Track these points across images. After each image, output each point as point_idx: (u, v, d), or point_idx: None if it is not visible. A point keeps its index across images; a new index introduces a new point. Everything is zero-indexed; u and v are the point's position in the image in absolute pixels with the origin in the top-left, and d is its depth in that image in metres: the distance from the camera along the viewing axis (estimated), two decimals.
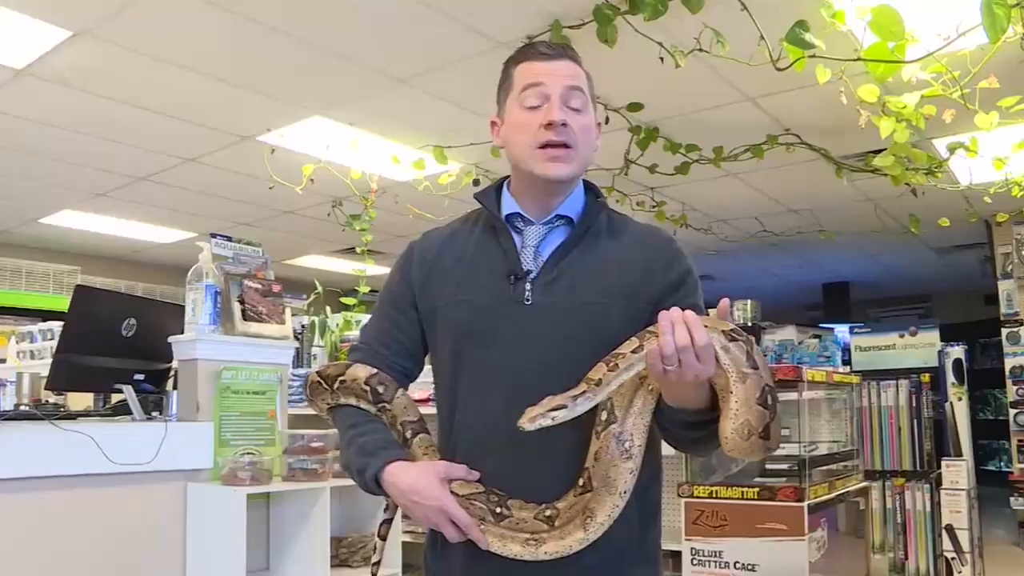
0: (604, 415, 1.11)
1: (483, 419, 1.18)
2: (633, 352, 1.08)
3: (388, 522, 1.35)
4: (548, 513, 1.11)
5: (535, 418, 1.05)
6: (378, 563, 1.36)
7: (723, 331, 1.06)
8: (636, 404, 1.12)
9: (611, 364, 1.08)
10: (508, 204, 1.26)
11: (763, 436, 1.05)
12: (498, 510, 1.12)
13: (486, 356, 1.18)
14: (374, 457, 1.17)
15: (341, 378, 1.24)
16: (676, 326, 1.02)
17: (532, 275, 1.20)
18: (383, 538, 1.35)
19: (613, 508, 1.09)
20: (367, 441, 1.20)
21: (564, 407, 1.06)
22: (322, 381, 1.27)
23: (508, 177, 1.30)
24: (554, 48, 1.23)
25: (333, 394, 1.26)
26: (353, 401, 1.25)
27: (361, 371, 1.24)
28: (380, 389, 1.23)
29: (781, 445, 3.02)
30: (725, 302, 1.09)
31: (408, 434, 1.21)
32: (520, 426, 1.04)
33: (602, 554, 1.15)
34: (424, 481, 1.13)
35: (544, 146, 1.18)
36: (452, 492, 1.14)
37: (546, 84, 1.19)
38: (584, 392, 1.08)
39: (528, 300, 1.18)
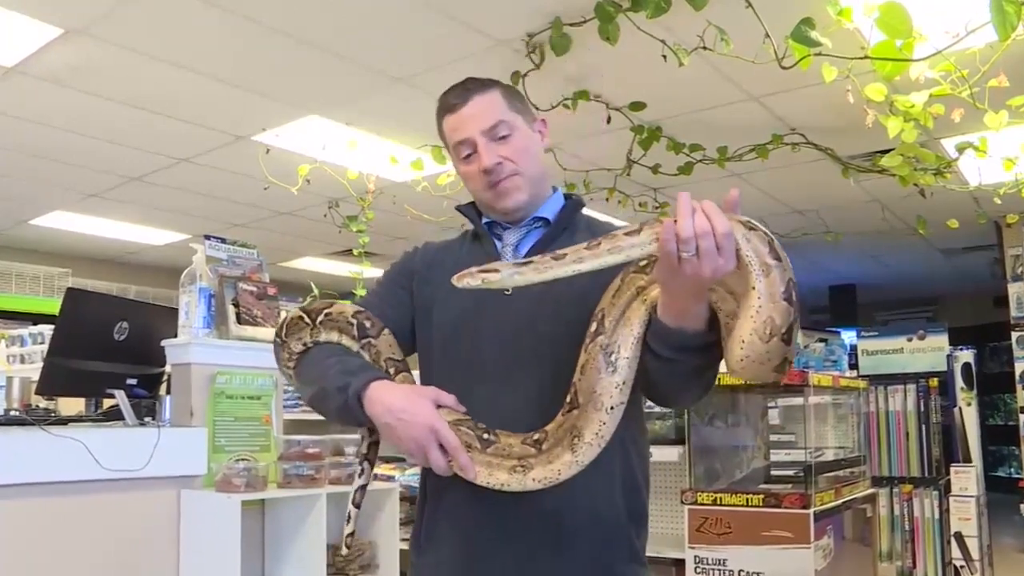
0: (594, 326, 1.07)
1: (470, 408, 1.16)
2: (627, 235, 1.00)
3: (363, 488, 1.30)
4: (536, 437, 1.08)
5: (463, 276, 1.03)
6: (352, 534, 1.29)
7: (740, 222, 0.98)
8: (628, 316, 1.06)
9: (592, 244, 1.02)
10: (487, 215, 1.33)
11: (785, 339, 0.96)
12: (485, 436, 1.09)
13: (472, 346, 1.21)
14: (356, 376, 1.14)
15: (327, 311, 1.23)
16: (696, 211, 0.95)
17: None
18: (357, 505, 1.29)
19: (600, 426, 1.05)
20: (348, 366, 1.18)
21: (497, 272, 1.02)
22: (305, 316, 1.24)
23: None
24: (461, 92, 1.27)
25: (314, 330, 1.23)
26: (335, 337, 1.23)
27: (348, 307, 1.24)
28: (367, 324, 1.22)
29: (786, 452, 3.03)
30: (735, 192, 1.00)
31: (391, 370, 1.19)
32: (451, 281, 1.04)
33: (583, 542, 1.16)
34: (414, 400, 1.10)
35: (491, 187, 1.24)
36: None
37: (468, 135, 1.24)
38: (530, 263, 1.03)
39: (508, 291, 1.19)
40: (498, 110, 1.25)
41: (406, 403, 1.09)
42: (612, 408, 1.05)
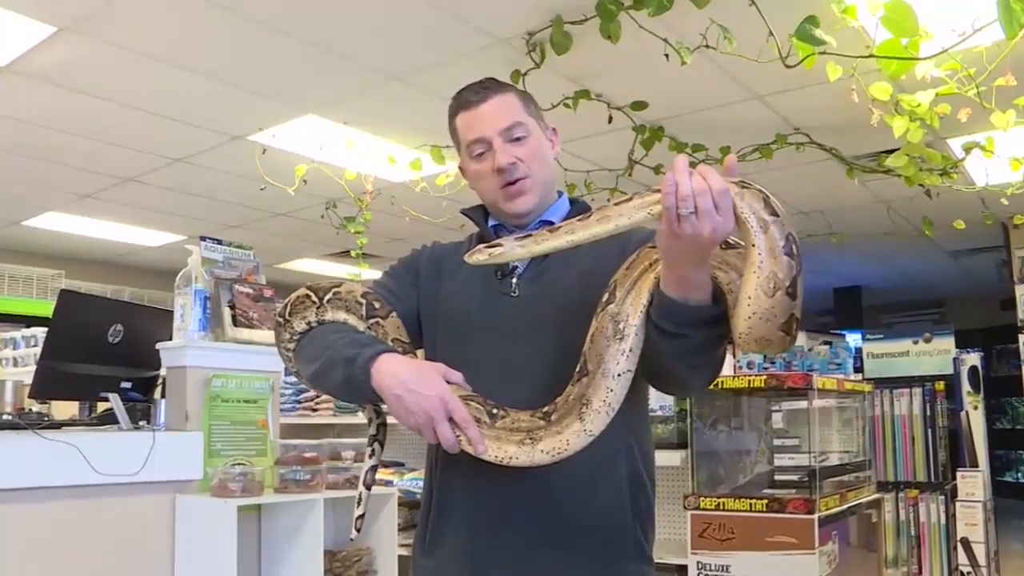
0: (606, 296, 1.10)
1: None
2: (616, 204, 1.03)
3: (374, 469, 1.30)
4: (546, 409, 1.10)
5: (472, 254, 1.08)
6: (362, 516, 1.28)
7: (733, 182, 1.00)
8: (639, 286, 1.09)
9: (584, 217, 1.06)
10: (494, 217, 1.34)
11: (790, 293, 0.97)
12: (494, 411, 1.10)
13: (476, 345, 1.23)
14: (366, 348, 1.15)
15: (335, 290, 1.24)
16: (692, 172, 0.97)
17: (519, 270, 1.27)
18: (368, 487, 1.29)
19: (608, 392, 1.06)
20: (359, 338, 1.19)
21: (501, 246, 1.08)
22: (312, 294, 1.24)
23: None
24: (480, 90, 1.28)
25: (320, 309, 1.23)
26: (342, 316, 1.24)
27: (357, 286, 1.26)
28: (376, 304, 1.23)
29: (791, 456, 2.99)
30: (732, 158, 1.03)
31: (400, 351, 1.19)
32: (463, 259, 1.10)
33: (590, 540, 1.17)
34: (424, 372, 1.11)
35: (503, 187, 1.26)
36: None
37: (484, 134, 1.25)
38: (530, 236, 1.08)
39: (515, 293, 1.25)
40: (515, 111, 1.27)
41: (417, 375, 1.10)
42: (619, 375, 1.06)
